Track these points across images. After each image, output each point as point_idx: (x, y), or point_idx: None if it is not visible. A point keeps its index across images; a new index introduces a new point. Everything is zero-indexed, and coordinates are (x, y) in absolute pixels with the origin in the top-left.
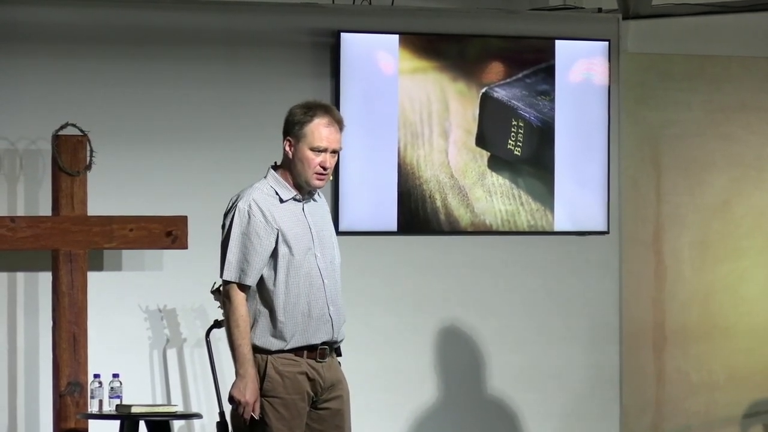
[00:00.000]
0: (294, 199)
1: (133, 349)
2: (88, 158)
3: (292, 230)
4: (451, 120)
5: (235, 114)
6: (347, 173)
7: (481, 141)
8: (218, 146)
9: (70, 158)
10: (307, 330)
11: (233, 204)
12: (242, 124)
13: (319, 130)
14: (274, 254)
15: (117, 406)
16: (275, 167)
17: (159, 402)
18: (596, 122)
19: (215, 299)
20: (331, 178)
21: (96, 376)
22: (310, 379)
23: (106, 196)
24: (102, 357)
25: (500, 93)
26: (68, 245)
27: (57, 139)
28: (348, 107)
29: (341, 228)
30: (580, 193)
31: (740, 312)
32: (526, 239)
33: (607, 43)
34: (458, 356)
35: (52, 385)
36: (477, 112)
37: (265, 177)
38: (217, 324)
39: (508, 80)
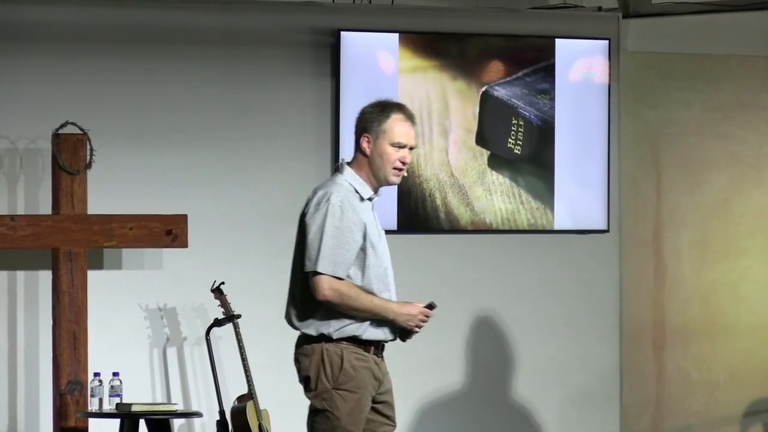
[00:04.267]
0: (369, 198)
1: (133, 347)
2: (88, 157)
3: (371, 227)
4: (451, 119)
5: (235, 113)
6: None
7: (481, 139)
8: (218, 145)
9: (70, 157)
10: (381, 325)
11: (325, 198)
12: (242, 123)
13: (399, 125)
14: (360, 249)
15: (117, 404)
16: (348, 164)
17: (159, 400)
18: (596, 121)
19: (215, 298)
20: (405, 174)
21: (96, 374)
22: (375, 377)
23: (106, 195)
24: (102, 355)
25: (500, 92)
26: (68, 244)
27: (57, 138)
28: (348, 106)
29: None
30: (580, 192)
31: (740, 311)
32: (526, 238)
33: (607, 41)
34: (458, 354)
35: (52, 383)
36: (477, 110)
37: (340, 173)
38: (217, 322)
39: (508, 79)
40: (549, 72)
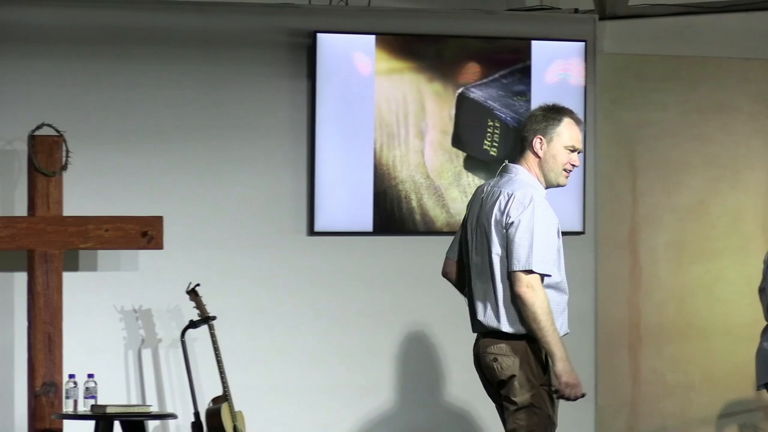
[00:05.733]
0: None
1: (109, 349)
2: (63, 159)
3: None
4: (428, 120)
5: (212, 114)
6: (323, 173)
7: (457, 141)
8: (194, 146)
9: (45, 159)
10: (566, 321)
11: (529, 198)
12: (219, 125)
13: (572, 129)
14: (557, 249)
15: (92, 406)
16: (516, 163)
17: (134, 402)
18: None
19: (190, 299)
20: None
21: (71, 376)
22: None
23: (81, 197)
24: (77, 357)
25: (476, 93)
26: (44, 245)
27: (33, 140)
28: (324, 108)
29: (316, 228)
30: (556, 194)
31: (716, 312)
32: None
33: (583, 43)
34: (433, 354)
35: (27, 385)
36: (453, 112)
37: (512, 172)
38: (192, 324)
39: (484, 81)
40: (525, 74)
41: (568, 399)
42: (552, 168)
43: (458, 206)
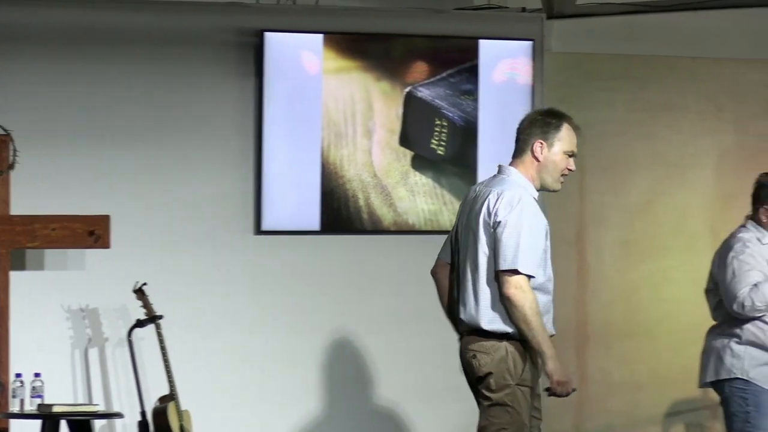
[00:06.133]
0: (534, 198)
1: (55, 348)
2: (11, 157)
3: (548, 231)
4: (375, 119)
5: (159, 113)
6: (270, 172)
7: (405, 140)
8: (142, 145)
9: None
10: (551, 322)
11: (517, 198)
12: (166, 124)
13: (572, 135)
14: (543, 251)
15: (38, 405)
16: (510, 165)
17: (80, 401)
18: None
19: (137, 298)
20: None
21: (18, 375)
22: (539, 373)
23: (28, 196)
24: (24, 356)
25: (424, 92)
26: None
27: None
28: (272, 107)
29: (264, 227)
30: None
31: (663, 311)
32: None
33: (531, 42)
34: (384, 352)
35: None
36: (401, 111)
37: (505, 174)
38: (139, 323)
39: (432, 80)
40: (473, 73)
41: (560, 396)
42: (551, 172)
43: (405, 205)
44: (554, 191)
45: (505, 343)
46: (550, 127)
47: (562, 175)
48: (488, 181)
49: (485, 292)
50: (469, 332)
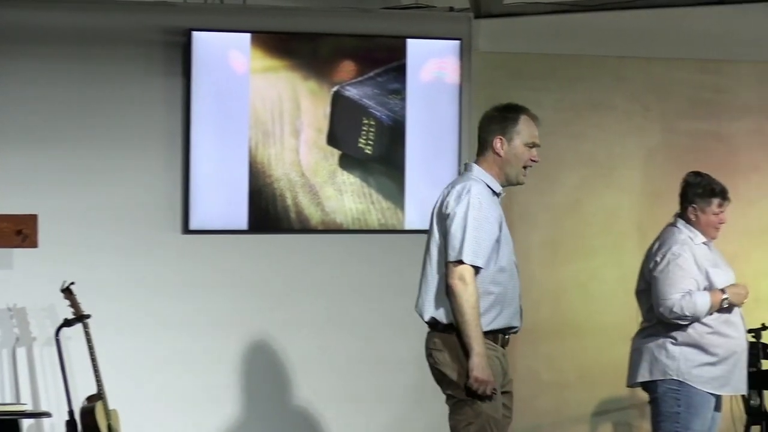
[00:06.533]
0: (498, 194)
1: None
2: None
3: (504, 223)
4: (303, 118)
5: (87, 112)
6: (198, 171)
7: (333, 139)
8: (69, 145)
9: None
10: (508, 314)
11: (465, 191)
12: (93, 123)
13: (530, 126)
14: (496, 241)
15: None
16: (475, 163)
17: (8, 401)
18: (447, 121)
19: (65, 298)
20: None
21: None
22: (502, 367)
23: None
24: None
25: (352, 91)
26: None
27: None
28: (199, 106)
29: (192, 227)
30: (430, 192)
31: (590, 311)
32: (376, 238)
33: (458, 41)
34: (309, 353)
35: None
36: (328, 110)
37: (468, 171)
38: (66, 323)
39: (359, 79)
40: (400, 72)
41: (476, 394)
42: (514, 166)
43: (333, 204)
44: (520, 184)
45: (454, 338)
46: (508, 122)
47: (525, 167)
48: (454, 179)
49: (435, 284)
50: (429, 328)
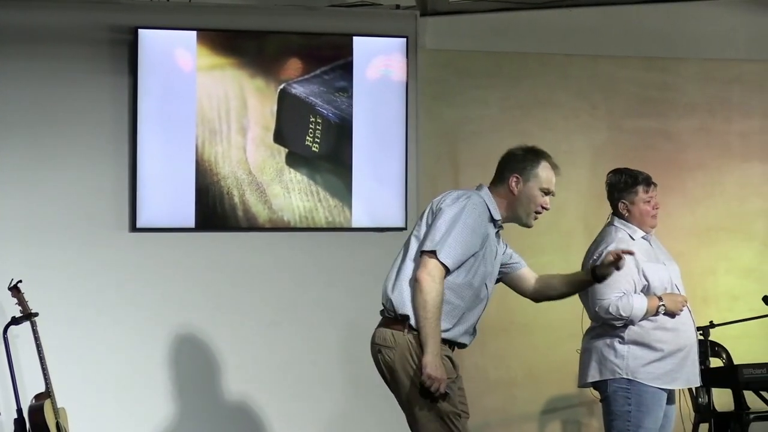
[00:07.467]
0: (496, 224)
1: None
2: None
3: (491, 243)
4: (249, 116)
5: (32, 110)
6: (145, 170)
7: (279, 137)
8: (15, 142)
9: None
10: (460, 330)
11: (465, 196)
12: (39, 121)
13: (549, 173)
14: (473, 255)
15: None
16: (488, 187)
17: None
18: (394, 119)
19: (12, 296)
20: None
21: None
22: (453, 364)
23: None
24: None
25: (298, 89)
26: None
27: None
28: (146, 104)
29: (139, 225)
30: (377, 190)
31: (538, 308)
32: (324, 235)
33: (404, 39)
34: (254, 352)
35: None
36: (275, 108)
37: (478, 189)
38: (14, 321)
39: (306, 76)
40: (347, 70)
41: (428, 391)
42: (525, 207)
43: (280, 202)
44: (527, 227)
45: (405, 337)
46: (528, 163)
47: (536, 212)
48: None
49: (405, 272)
50: (381, 320)
